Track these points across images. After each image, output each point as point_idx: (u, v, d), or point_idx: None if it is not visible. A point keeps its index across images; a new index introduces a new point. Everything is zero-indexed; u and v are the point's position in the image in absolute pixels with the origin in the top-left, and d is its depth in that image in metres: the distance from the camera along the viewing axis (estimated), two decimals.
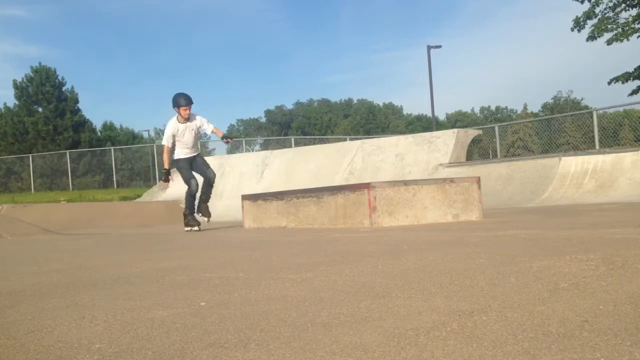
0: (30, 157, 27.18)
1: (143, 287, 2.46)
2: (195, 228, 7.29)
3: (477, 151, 20.06)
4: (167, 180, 7.82)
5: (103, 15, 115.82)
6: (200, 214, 7.56)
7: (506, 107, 79.13)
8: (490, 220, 5.50)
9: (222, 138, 7.40)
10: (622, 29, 21.74)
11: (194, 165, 7.48)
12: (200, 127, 7.40)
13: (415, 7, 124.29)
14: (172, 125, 7.30)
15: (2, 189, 26.89)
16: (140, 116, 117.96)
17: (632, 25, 21.73)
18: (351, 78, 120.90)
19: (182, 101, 7.20)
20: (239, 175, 14.63)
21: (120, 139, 37.45)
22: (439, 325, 1.48)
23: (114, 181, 26.09)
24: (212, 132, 7.50)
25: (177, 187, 15.62)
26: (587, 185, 9.53)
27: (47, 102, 33.51)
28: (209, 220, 7.67)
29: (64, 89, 34.60)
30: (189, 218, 7.43)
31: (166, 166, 7.52)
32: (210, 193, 7.62)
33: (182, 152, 7.39)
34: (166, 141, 7.36)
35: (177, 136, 7.31)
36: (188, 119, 7.29)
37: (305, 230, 5.94)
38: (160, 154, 26.99)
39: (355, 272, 2.50)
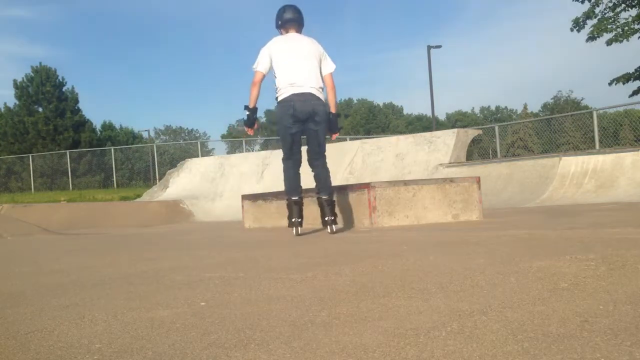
0: (30, 157, 27.20)
1: (143, 287, 2.46)
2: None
3: (477, 151, 20.04)
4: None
5: (103, 15, 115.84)
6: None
7: (506, 107, 79.22)
8: (490, 220, 5.50)
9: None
10: (621, 29, 21.73)
11: None
12: None
13: (415, 8, 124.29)
14: None
15: (2, 189, 26.89)
16: (140, 116, 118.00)
17: (632, 26, 21.72)
18: (351, 78, 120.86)
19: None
20: (239, 175, 14.63)
21: (120, 139, 37.45)
22: (439, 325, 1.48)
23: (114, 181, 26.09)
24: None
25: (177, 187, 15.64)
26: (587, 185, 9.52)
27: (47, 102, 33.53)
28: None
29: (64, 88, 34.63)
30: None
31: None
32: None
33: None
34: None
35: None
36: None
37: (305, 230, 5.94)
38: (161, 154, 27.09)
39: (355, 272, 2.50)
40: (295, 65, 4.81)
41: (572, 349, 1.23)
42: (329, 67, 4.98)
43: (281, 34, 5.10)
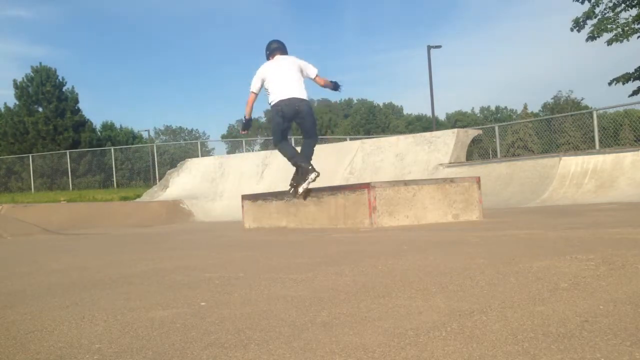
0: (31, 157, 27.18)
1: (143, 287, 2.46)
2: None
3: (477, 151, 20.03)
4: None
5: (103, 15, 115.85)
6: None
7: (506, 107, 79.32)
8: (490, 220, 5.50)
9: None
10: (621, 29, 21.72)
11: None
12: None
13: (416, 8, 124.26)
14: None
15: (2, 189, 26.88)
16: (140, 116, 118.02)
17: (632, 26, 21.71)
18: (351, 78, 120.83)
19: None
20: (239, 175, 14.63)
21: (120, 139, 37.40)
22: (439, 325, 1.48)
23: (114, 181, 26.07)
24: None
25: (177, 187, 15.64)
26: (587, 185, 9.52)
27: (48, 102, 33.50)
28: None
29: (64, 88, 34.59)
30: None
31: None
32: None
33: None
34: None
35: None
36: None
37: (305, 230, 5.94)
38: (161, 154, 27.09)
39: (355, 272, 2.50)
40: (282, 78, 6.14)
41: (572, 349, 1.23)
42: (312, 71, 6.34)
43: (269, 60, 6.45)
